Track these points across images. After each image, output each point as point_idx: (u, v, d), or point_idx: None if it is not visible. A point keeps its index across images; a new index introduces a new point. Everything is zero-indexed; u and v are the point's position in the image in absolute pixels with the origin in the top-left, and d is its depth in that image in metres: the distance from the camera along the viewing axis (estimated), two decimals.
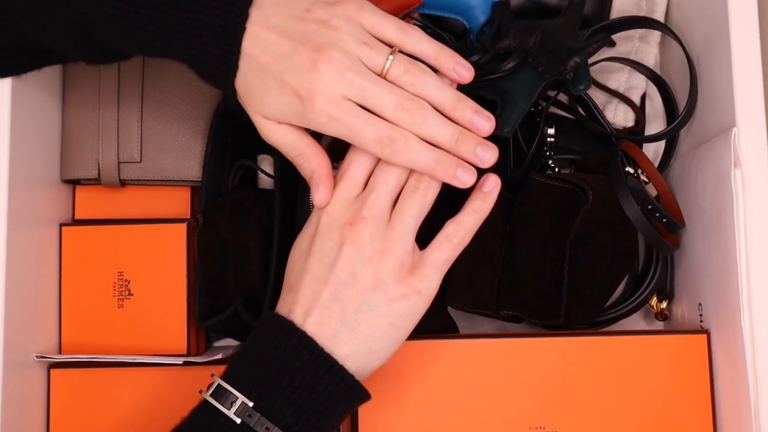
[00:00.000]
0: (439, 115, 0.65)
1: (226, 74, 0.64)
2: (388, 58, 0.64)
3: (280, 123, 0.66)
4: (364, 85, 0.63)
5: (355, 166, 0.67)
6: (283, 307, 0.66)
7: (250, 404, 0.62)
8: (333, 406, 0.64)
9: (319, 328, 0.64)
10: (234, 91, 0.66)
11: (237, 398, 0.62)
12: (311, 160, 0.67)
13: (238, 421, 0.62)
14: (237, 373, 0.64)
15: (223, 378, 0.64)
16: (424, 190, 0.67)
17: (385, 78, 0.64)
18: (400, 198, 0.67)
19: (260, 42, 0.63)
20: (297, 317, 0.64)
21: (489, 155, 0.66)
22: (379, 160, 0.67)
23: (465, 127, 0.66)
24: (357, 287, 0.64)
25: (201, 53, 0.64)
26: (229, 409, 0.62)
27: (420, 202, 0.67)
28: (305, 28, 0.63)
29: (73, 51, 0.67)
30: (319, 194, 0.67)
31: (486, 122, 0.67)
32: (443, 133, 0.65)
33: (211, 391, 0.64)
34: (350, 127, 0.63)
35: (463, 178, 0.65)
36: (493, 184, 0.69)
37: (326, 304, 0.64)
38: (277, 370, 0.63)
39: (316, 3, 0.64)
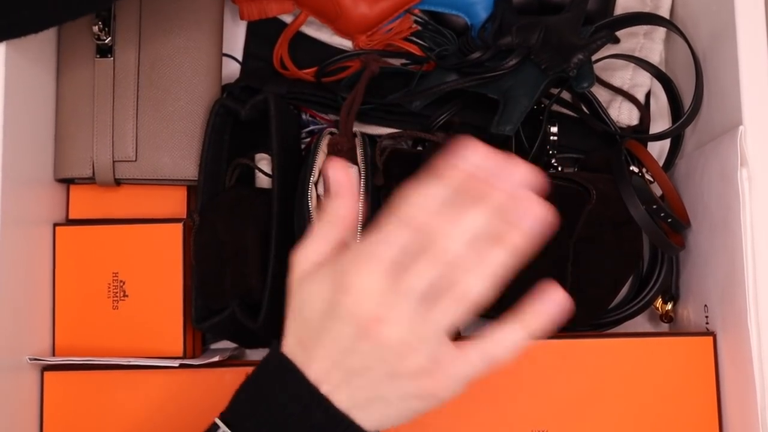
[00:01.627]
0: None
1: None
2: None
3: None
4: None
5: (390, 247, 0.59)
6: (296, 359, 0.60)
7: None
8: None
9: (332, 396, 0.59)
10: None
11: None
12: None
13: None
14: (245, 420, 0.60)
15: (228, 420, 0.60)
16: (462, 300, 0.59)
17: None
18: (434, 303, 0.58)
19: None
20: (310, 376, 0.59)
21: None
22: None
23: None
24: (370, 380, 0.59)
25: None
26: None
27: (453, 312, 0.59)
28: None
29: None
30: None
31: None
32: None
33: None
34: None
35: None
36: (561, 299, 0.62)
37: (338, 384, 0.59)
38: (290, 425, 0.59)
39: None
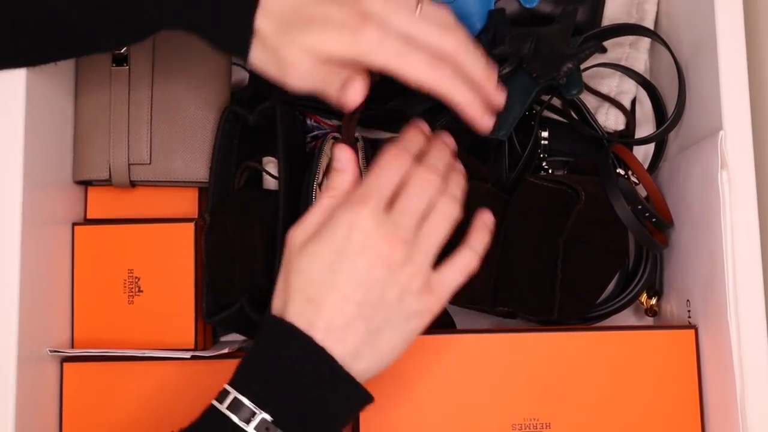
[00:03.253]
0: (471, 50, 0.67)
1: (245, 20, 0.64)
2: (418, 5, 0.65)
3: (316, 61, 0.64)
4: (407, 14, 0.64)
5: (384, 180, 0.66)
6: (301, 319, 0.63)
7: (270, 419, 0.61)
8: (345, 416, 0.65)
9: (341, 344, 0.62)
10: (248, 42, 0.65)
11: (256, 413, 0.61)
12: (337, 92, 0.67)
13: None
14: (252, 383, 0.62)
15: (236, 386, 0.62)
16: (450, 216, 0.67)
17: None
18: (427, 221, 0.66)
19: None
20: (318, 332, 0.62)
21: (500, 97, 0.70)
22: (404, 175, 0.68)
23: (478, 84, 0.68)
24: (383, 307, 0.63)
25: (217, 12, 0.64)
26: (248, 424, 0.61)
27: (445, 228, 0.67)
28: None
29: (97, 29, 0.68)
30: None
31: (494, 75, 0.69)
32: (477, 64, 0.67)
33: (227, 404, 0.62)
34: (401, 55, 0.63)
35: (487, 124, 0.69)
36: (491, 219, 0.72)
37: (351, 322, 0.63)
38: (295, 384, 0.62)
39: None
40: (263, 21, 0.63)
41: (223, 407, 0.62)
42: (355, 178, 0.68)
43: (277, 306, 0.66)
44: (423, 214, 0.66)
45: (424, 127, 0.73)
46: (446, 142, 0.73)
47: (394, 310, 0.64)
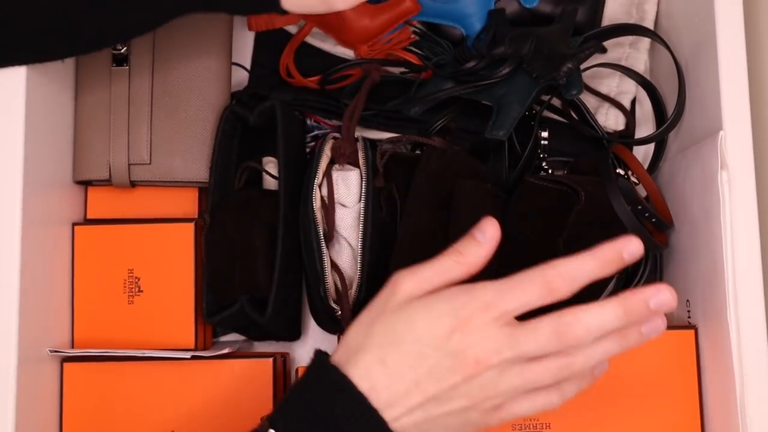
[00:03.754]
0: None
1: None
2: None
3: None
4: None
5: (517, 301, 0.61)
6: (363, 379, 0.60)
7: None
8: None
9: (396, 421, 0.60)
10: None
11: None
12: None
13: None
14: (290, 423, 0.61)
15: (273, 423, 0.60)
16: (558, 394, 0.63)
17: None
18: (537, 384, 0.62)
19: None
20: (377, 399, 0.59)
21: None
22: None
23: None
24: (447, 409, 0.60)
25: None
26: None
27: (545, 403, 0.63)
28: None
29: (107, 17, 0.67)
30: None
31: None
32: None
33: None
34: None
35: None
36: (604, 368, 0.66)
37: (413, 407, 0.60)
38: None
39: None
40: None
41: None
42: (488, 256, 0.64)
43: (345, 346, 0.63)
44: (536, 358, 0.61)
45: (631, 252, 0.63)
46: (652, 303, 0.62)
47: (454, 415, 0.61)
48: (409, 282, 0.62)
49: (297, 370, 0.88)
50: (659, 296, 0.61)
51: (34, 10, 0.68)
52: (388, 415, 0.59)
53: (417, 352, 0.60)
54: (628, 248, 0.62)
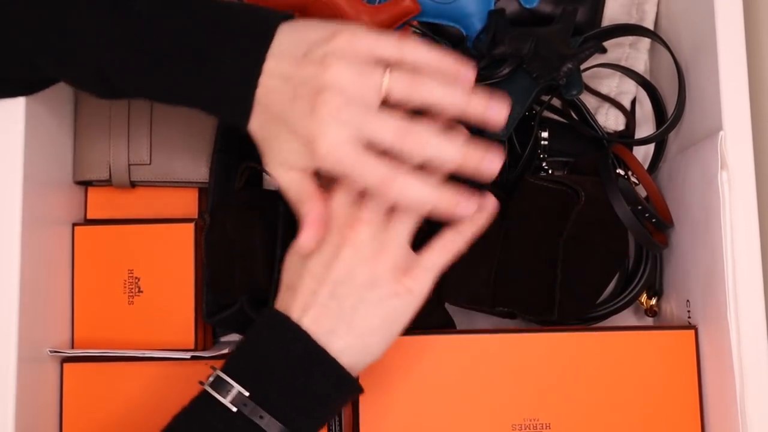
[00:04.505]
0: (439, 134, 0.63)
1: (242, 120, 0.65)
2: (383, 80, 0.62)
3: (291, 169, 0.65)
4: (360, 121, 0.61)
5: (359, 173, 0.65)
6: (281, 304, 0.67)
7: (246, 394, 0.63)
8: (325, 397, 0.65)
9: (316, 323, 0.65)
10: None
11: (233, 387, 0.64)
12: (304, 205, 0.66)
13: (234, 409, 0.63)
14: (235, 364, 0.66)
15: (222, 370, 0.65)
16: (420, 200, 0.65)
17: (388, 100, 0.62)
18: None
19: (270, 92, 0.63)
20: (294, 313, 0.65)
21: (494, 166, 0.64)
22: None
23: (478, 120, 0.64)
24: (354, 285, 0.65)
25: (218, 102, 0.65)
26: (225, 398, 0.64)
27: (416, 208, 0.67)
28: (304, 72, 0.62)
29: (90, 90, 0.70)
30: (303, 237, 0.66)
31: (502, 108, 0.64)
32: (447, 152, 0.63)
33: (210, 382, 0.65)
34: (352, 171, 0.62)
35: (463, 213, 0.64)
36: (492, 205, 0.69)
37: (324, 301, 0.65)
38: (272, 362, 0.64)
39: (314, 43, 0.63)
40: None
41: (206, 385, 0.65)
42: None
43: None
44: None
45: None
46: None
47: (366, 288, 0.66)
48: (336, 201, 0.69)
49: None
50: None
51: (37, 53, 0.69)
52: (306, 322, 0.65)
53: (301, 260, 0.68)
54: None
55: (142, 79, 0.66)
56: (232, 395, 0.64)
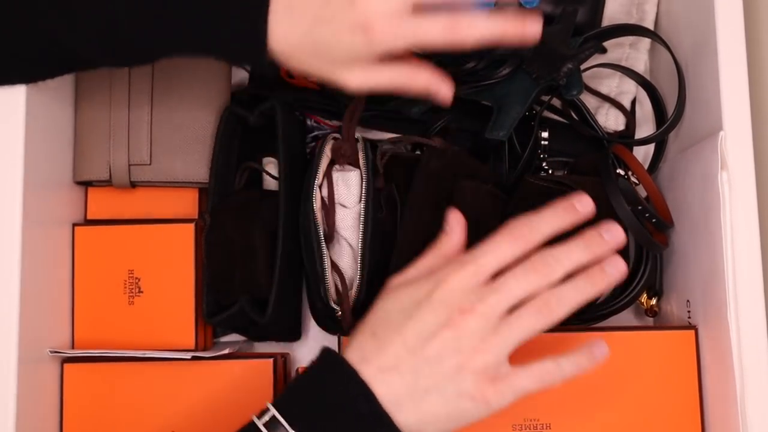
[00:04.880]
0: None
1: (259, 44, 0.63)
2: None
3: (362, 67, 0.64)
4: None
5: (491, 257, 0.65)
6: (356, 352, 0.64)
7: None
8: None
9: (387, 388, 0.62)
10: (274, 62, 0.65)
11: None
12: (419, 75, 0.66)
13: None
14: (293, 407, 0.63)
15: (278, 408, 0.63)
16: (546, 315, 0.65)
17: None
18: (519, 310, 0.64)
19: (294, 4, 0.63)
20: (368, 369, 0.62)
21: (536, 28, 0.65)
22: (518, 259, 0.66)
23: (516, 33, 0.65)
24: (437, 369, 0.62)
25: (230, 35, 0.64)
26: None
27: (534, 325, 0.64)
28: None
29: (99, 54, 0.68)
30: (443, 91, 0.67)
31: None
32: (488, 17, 0.64)
33: (264, 421, 0.63)
34: (415, 33, 0.62)
35: (531, 31, 0.65)
36: (605, 351, 0.67)
37: (404, 370, 0.62)
38: (335, 414, 0.62)
39: None
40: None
41: (260, 423, 0.63)
42: (462, 243, 0.70)
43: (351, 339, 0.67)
44: (518, 301, 0.64)
45: (584, 205, 0.68)
46: (606, 236, 0.68)
47: (447, 378, 0.63)
48: (396, 279, 0.68)
49: (297, 370, 0.88)
50: (610, 227, 0.67)
51: (32, 36, 0.69)
52: (377, 382, 0.62)
53: (403, 317, 0.64)
54: (580, 200, 0.68)
55: (149, 26, 0.65)
56: None
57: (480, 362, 0.63)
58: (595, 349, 0.67)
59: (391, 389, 0.62)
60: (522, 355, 0.75)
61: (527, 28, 0.64)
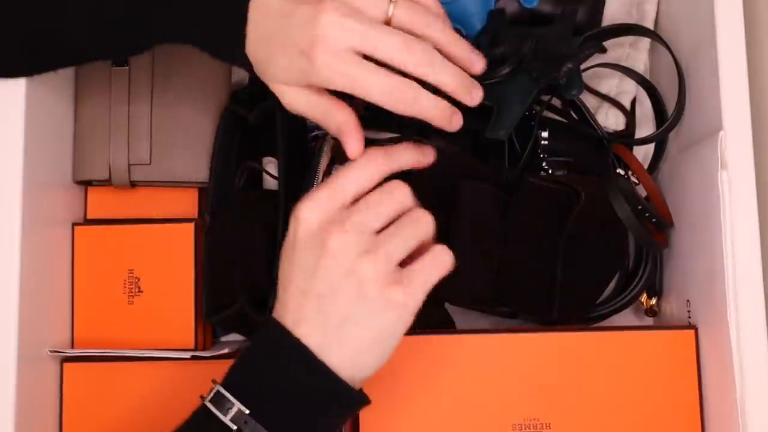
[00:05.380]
0: (441, 55, 0.64)
1: (236, 45, 0.64)
2: (389, 6, 0.62)
3: (297, 88, 0.64)
4: (364, 30, 0.60)
5: (349, 179, 0.65)
6: (276, 312, 0.65)
7: (246, 411, 0.62)
8: (326, 411, 0.64)
9: (308, 337, 0.62)
10: (249, 64, 0.65)
11: (233, 405, 0.62)
12: (336, 115, 0.65)
13: (234, 427, 0.62)
14: (235, 379, 0.64)
15: (223, 384, 0.64)
16: (417, 225, 0.66)
17: (390, 24, 0.62)
18: (394, 224, 0.65)
19: (265, 7, 0.62)
20: (288, 324, 0.63)
21: (479, 95, 0.67)
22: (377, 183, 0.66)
23: (460, 65, 0.66)
24: (338, 300, 0.62)
25: (210, 31, 0.64)
26: (225, 415, 0.62)
27: (413, 234, 0.65)
28: None
29: (88, 42, 0.68)
30: (350, 145, 0.65)
31: (480, 60, 0.68)
32: (447, 74, 0.64)
33: (210, 397, 0.64)
34: (355, 79, 0.61)
35: (457, 124, 0.66)
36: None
37: (310, 316, 0.62)
38: (271, 377, 0.63)
39: None
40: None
41: (207, 399, 0.64)
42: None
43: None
44: (382, 220, 0.65)
45: (424, 152, 0.71)
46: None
47: (351, 301, 0.62)
48: (308, 212, 0.65)
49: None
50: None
51: (16, 30, 0.69)
52: (300, 336, 0.62)
53: (288, 265, 0.64)
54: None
55: (132, 15, 0.65)
56: (233, 413, 0.62)
57: (370, 270, 0.62)
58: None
59: (312, 336, 0.62)
60: (521, 351, 0.76)
61: (455, 124, 0.67)
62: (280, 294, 0.65)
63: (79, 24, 0.67)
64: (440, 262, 0.65)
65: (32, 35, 0.69)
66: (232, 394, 0.62)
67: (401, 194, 0.66)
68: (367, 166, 0.66)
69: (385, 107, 0.63)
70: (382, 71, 0.62)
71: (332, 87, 0.62)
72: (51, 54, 0.71)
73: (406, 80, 0.62)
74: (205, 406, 0.64)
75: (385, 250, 0.63)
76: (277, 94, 0.65)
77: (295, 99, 0.65)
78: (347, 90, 0.62)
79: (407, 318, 0.63)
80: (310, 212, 0.64)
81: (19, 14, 0.68)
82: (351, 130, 0.65)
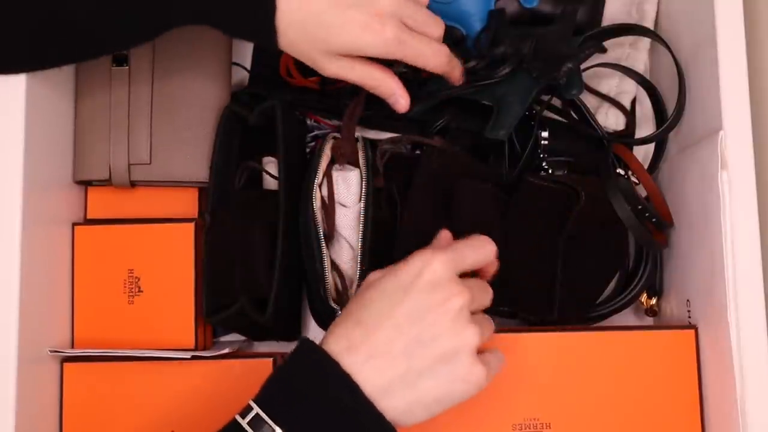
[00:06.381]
0: None
1: (265, 17, 0.65)
2: None
3: (346, 57, 0.68)
4: (415, 8, 0.69)
5: (471, 252, 0.68)
6: (339, 341, 0.62)
7: None
8: None
9: (377, 374, 0.61)
10: (273, 38, 0.66)
11: (274, 430, 0.60)
12: (387, 83, 0.72)
13: None
14: (275, 402, 0.62)
15: (260, 403, 0.61)
16: (487, 299, 0.70)
17: None
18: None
19: None
20: (356, 357, 0.61)
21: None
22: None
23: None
24: (433, 350, 0.62)
25: (240, 7, 0.65)
26: None
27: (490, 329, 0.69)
28: None
29: (98, 26, 0.68)
30: (401, 103, 0.73)
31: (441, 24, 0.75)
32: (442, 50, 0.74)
33: (248, 420, 0.61)
34: (422, 51, 0.70)
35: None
36: None
37: (396, 354, 0.61)
38: (318, 409, 0.61)
39: None
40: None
41: (244, 422, 0.61)
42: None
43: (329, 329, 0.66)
44: (487, 303, 0.69)
45: None
46: None
47: (443, 359, 0.62)
48: (375, 272, 0.67)
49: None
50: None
51: (28, 19, 0.68)
52: (366, 371, 0.61)
53: (390, 303, 0.63)
54: None
55: None
56: None
57: (474, 341, 0.63)
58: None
59: (383, 375, 0.61)
60: (521, 351, 0.77)
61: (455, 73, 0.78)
62: (357, 320, 0.63)
63: (91, 7, 0.67)
64: (501, 362, 0.69)
65: (41, 24, 0.68)
66: (271, 419, 0.60)
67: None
68: (486, 248, 0.70)
69: (442, 75, 0.75)
70: (439, 46, 0.73)
71: (392, 57, 0.69)
72: (61, 44, 0.70)
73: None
74: (239, 425, 0.61)
75: (482, 328, 0.65)
76: (318, 67, 0.69)
77: (345, 68, 0.70)
78: (405, 59, 0.69)
79: (470, 395, 0.64)
80: (443, 265, 0.64)
81: (27, 1, 0.67)
82: (404, 92, 0.73)
